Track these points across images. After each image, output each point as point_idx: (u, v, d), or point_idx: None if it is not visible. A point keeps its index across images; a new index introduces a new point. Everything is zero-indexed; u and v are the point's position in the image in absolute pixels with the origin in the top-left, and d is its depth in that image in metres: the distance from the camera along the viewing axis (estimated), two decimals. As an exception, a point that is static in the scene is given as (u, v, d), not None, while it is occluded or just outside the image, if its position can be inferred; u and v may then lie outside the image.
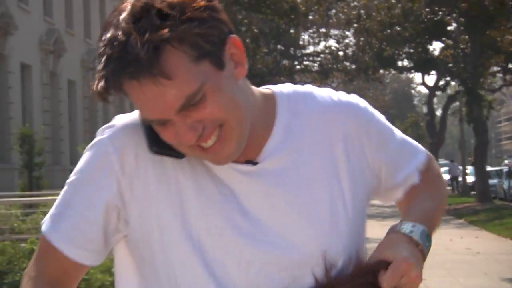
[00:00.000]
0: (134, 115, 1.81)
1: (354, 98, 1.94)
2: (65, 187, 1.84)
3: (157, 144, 1.71)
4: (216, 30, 1.62)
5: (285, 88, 1.90)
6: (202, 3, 1.60)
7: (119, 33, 1.55)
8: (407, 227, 1.76)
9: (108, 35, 1.58)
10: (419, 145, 2.08)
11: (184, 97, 1.57)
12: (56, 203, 1.83)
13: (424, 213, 1.89)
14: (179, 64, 1.56)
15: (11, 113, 34.42)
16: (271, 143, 1.79)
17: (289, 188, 1.76)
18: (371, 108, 1.95)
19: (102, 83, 1.58)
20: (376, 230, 22.78)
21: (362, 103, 1.94)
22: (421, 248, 1.74)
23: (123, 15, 1.58)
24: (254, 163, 1.77)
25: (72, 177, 1.84)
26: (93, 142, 1.82)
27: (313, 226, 1.76)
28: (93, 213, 1.76)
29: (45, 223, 1.81)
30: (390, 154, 1.94)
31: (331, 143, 1.83)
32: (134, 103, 1.63)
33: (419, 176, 2.00)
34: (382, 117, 1.97)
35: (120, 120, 1.81)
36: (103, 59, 1.58)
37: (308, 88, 1.93)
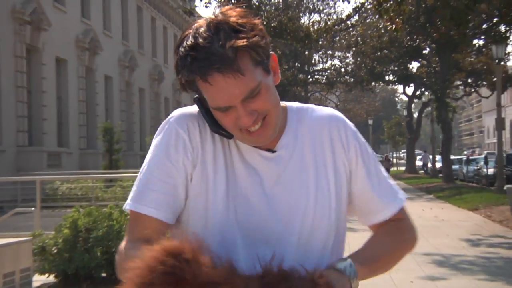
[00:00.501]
0: (188, 108, 1.87)
1: (342, 117, 1.99)
2: (142, 171, 1.83)
3: (215, 126, 1.77)
4: (267, 46, 1.74)
5: (294, 104, 1.98)
6: (261, 26, 1.73)
7: (201, 40, 1.65)
8: (342, 265, 1.73)
9: (189, 43, 1.67)
10: (400, 191, 2.01)
11: (248, 90, 1.66)
12: (135, 186, 1.82)
13: (371, 256, 1.87)
14: (248, 65, 1.66)
15: (97, 112, 34.67)
16: (284, 139, 1.87)
17: (291, 171, 1.85)
18: (355, 130, 1.99)
19: (189, 76, 1.68)
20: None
21: (348, 122, 1.99)
22: (352, 283, 1.71)
23: (201, 29, 1.67)
24: (273, 151, 1.85)
25: (146, 162, 1.83)
26: (161, 128, 1.85)
27: (304, 199, 1.84)
28: (175, 180, 1.79)
29: (129, 204, 1.80)
30: (368, 176, 1.95)
31: (322, 144, 1.91)
32: (207, 94, 1.70)
33: (388, 218, 1.97)
34: (365, 144, 1.99)
35: (179, 111, 1.87)
36: (188, 59, 1.66)
37: (310, 105, 2.01)
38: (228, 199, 1.79)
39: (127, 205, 1.80)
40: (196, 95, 1.77)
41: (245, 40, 1.65)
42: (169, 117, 1.86)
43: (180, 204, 1.80)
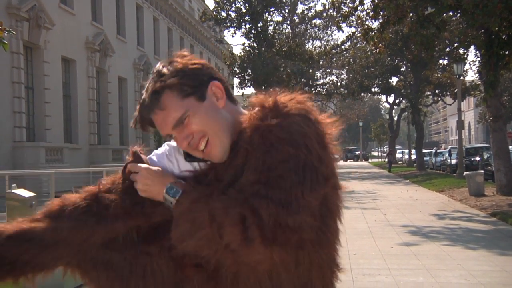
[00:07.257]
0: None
1: None
2: None
3: (189, 156, 1.57)
4: (196, 80, 1.50)
5: None
6: (190, 67, 1.51)
7: (143, 92, 1.53)
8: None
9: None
10: None
11: (174, 120, 1.48)
12: None
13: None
14: (172, 100, 1.48)
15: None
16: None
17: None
18: None
19: (143, 120, 1.55)
20: (358, 186, 22.38)
21: None
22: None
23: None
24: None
25: None
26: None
27: None
28: None
29: None
30: None
31: None
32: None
33: None
34: None
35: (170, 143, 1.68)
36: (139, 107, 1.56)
37: None
38: None
39: None
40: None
41: (161, 83, 1.47)
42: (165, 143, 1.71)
43: None
